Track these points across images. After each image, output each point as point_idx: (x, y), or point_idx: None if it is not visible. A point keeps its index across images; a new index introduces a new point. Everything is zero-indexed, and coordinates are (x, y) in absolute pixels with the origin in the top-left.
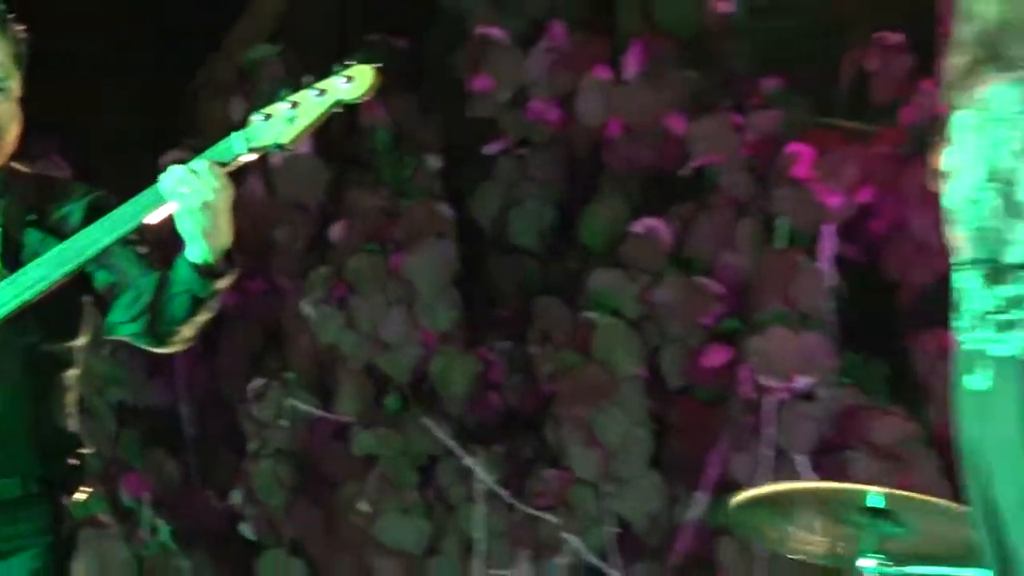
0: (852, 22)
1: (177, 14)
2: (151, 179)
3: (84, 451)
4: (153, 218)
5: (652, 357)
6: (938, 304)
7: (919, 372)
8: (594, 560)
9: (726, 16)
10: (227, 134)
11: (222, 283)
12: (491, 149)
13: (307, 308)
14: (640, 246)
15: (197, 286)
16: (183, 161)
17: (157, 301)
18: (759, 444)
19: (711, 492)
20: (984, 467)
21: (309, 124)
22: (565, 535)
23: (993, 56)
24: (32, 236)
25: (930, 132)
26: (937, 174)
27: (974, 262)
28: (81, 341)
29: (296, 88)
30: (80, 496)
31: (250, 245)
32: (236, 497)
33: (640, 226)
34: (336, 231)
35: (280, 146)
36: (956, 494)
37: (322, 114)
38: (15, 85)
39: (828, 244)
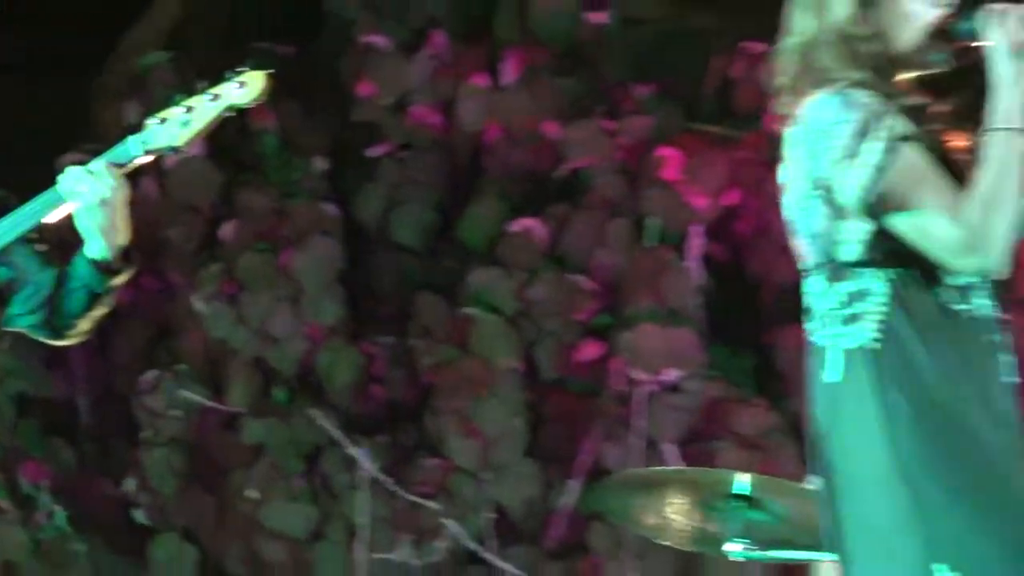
0: (718, 32)
1: (75, 18)
2: (50, 181)
3: None
4: (52, 217)
5: (528, 351)
6: (798, 302)
7: (781, 365)
8: (472, 544)
9: (599, 26)
10: (123, 137)
11: (118, 280)
12: (375, 152)
13: (199, 304)
14: (517, 245)
15: (94, 282)
16: (81, 163)
17: (55, 296)
18: (630, 434)
19: (584, 480)
20: (833, 454)
21: (202, 128)
22: (445, 521)
23: (809, 69)
24: None
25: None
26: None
27: (816, 266)
28: None
29: (190, 93)
30: None
31: (144, 243)
32: (130, 484)
33: (517, 226)
34: (226, 230)
35: (174, 149)
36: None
37: (215, 118)
38: None
39: (695, 244)
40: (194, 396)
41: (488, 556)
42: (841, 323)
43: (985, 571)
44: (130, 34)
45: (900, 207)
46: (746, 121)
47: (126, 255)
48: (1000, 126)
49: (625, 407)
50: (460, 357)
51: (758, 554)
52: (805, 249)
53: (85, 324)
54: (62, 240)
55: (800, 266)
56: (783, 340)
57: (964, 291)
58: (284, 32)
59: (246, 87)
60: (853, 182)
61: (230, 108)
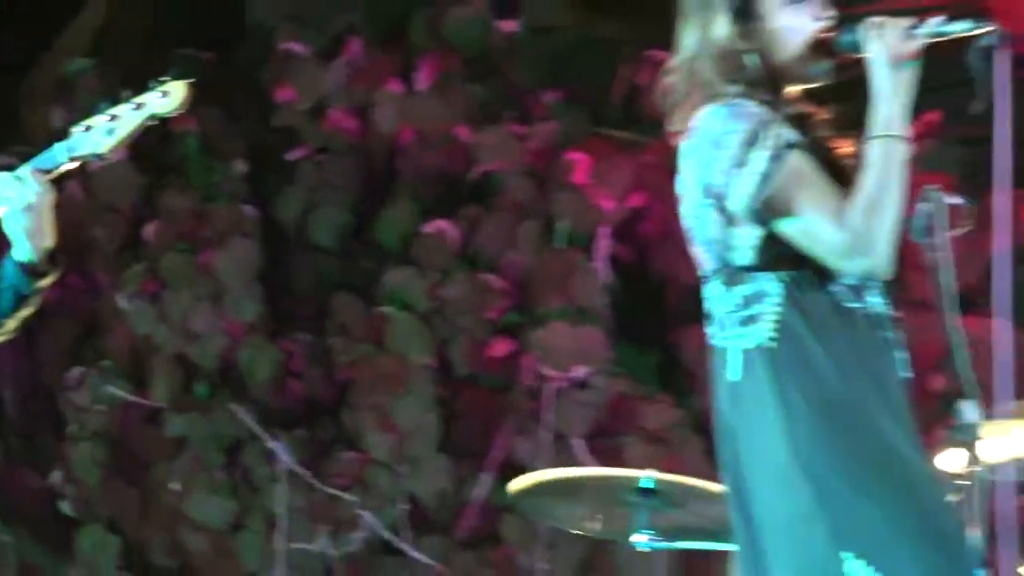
0: (625, 41)
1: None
2: None
3: None
4: None
5: (442, 348)
6: (702, 301)
7: (687, 363)
8: (388, 535)
9: (509, 34)
10: (50, 141)
11: (45, 282)
12: (293, 156)
13: (123, 302)
14: (430, 246)
15: (21, 284)
16: (10, 167)
17: None
18: (540, 428)
19: (495, 472)
20: (738, 451)
21: (126, 135)
22: (361, 512)
23: (697, 84)
24: None
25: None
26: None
27: (713, 271)
28: None
29: (115, 102)
30: None
31: (69, 244)
32: (56, 477)
33: (430, 227)
34: (149, 231)
35: (99, 156)
36: (719, 475)
37: (138, 126)
38: None
39: (603, 245)
40: (118, 391)
41: (403, 546)
42: (739, 325)
43: (889, 556)
44: (58, 39)
45: (787, 212)
46: (652, 126)
47: (52, 258)
48: (880, 133)
49: (535, 402)
50: (376, 354)
51: (662, 544)
52: (702, 256)
53: (11, 323)
54: None
55: (699, 272)
56: (688, 338)
57: (857, 290)
58: (206, 38)
59: (168, 96)
60: (742, 190)
61: (153, 116)
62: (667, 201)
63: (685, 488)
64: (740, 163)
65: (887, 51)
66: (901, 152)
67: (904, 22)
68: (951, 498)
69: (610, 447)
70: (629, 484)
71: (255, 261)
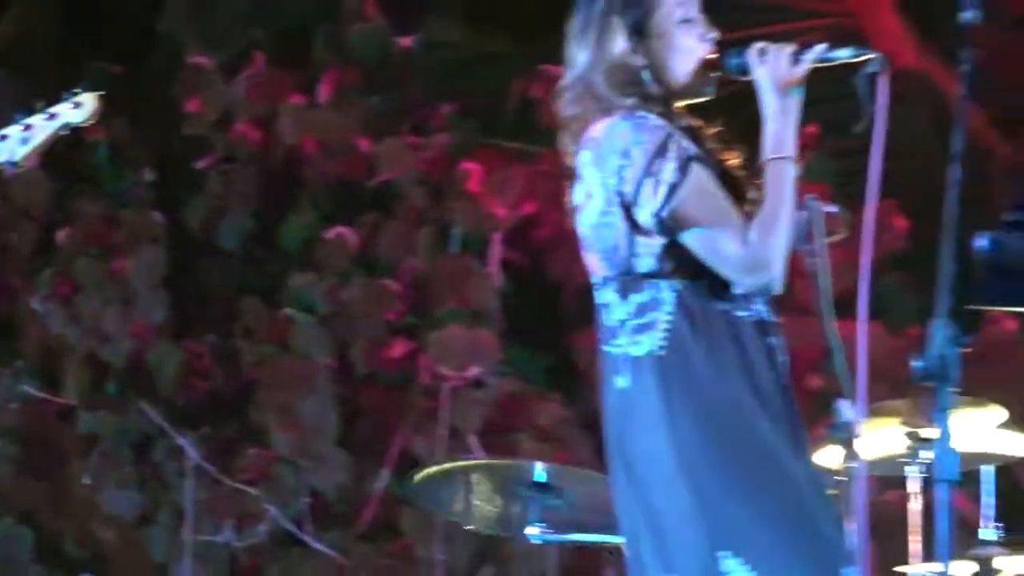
0: (517, 56)
1: None
2: None
3: None
4: None
5: (342, 349)
6: (594, 304)
7: (578, 364)
8: (291, 528)
9: (407, 49)
10: None
11: None
12: (200, 164)
13: (36, 304)
14: (331, 251)
15: None
16: None
17: None
18: (436, 425)
19: (394, 467)
20: (626, 456)
21: (40, 144)
22: (266, 506)
23: (592, 99)
24: None
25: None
26: (572, 208)
27: (608, 279)
28: None
29: (30, 112)
30: None
31: None
32: None
33: (331, 233)
34: (62, 236)
35: (14, 164)
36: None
37: (51, 135)
38: None
39: (496, 250)
40: (32, 389)
41: (305, 538)
42: (632, 332)
43: (765, 555)
44: None
45: (691, 224)
46: (543, 137)
47: None
48: (771, 156)
49: (432, 400)
50: (280, 355)
51: (554, 537)
52: (597, 263)
53: None
54: None
55: (593, 279)
56: (580, 340)
57: (746, 299)
58: (115, 51)
59: (81, 107)
60: (651, 199)
61: (65, 126)
62: (559, 208)
63: (576, 480)
64: (649, 173)
65: (774, 76)
66: (791, 172)
67: (789, 48)
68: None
69: (503, 443)
70: (523, 475)
71: (163, 265)
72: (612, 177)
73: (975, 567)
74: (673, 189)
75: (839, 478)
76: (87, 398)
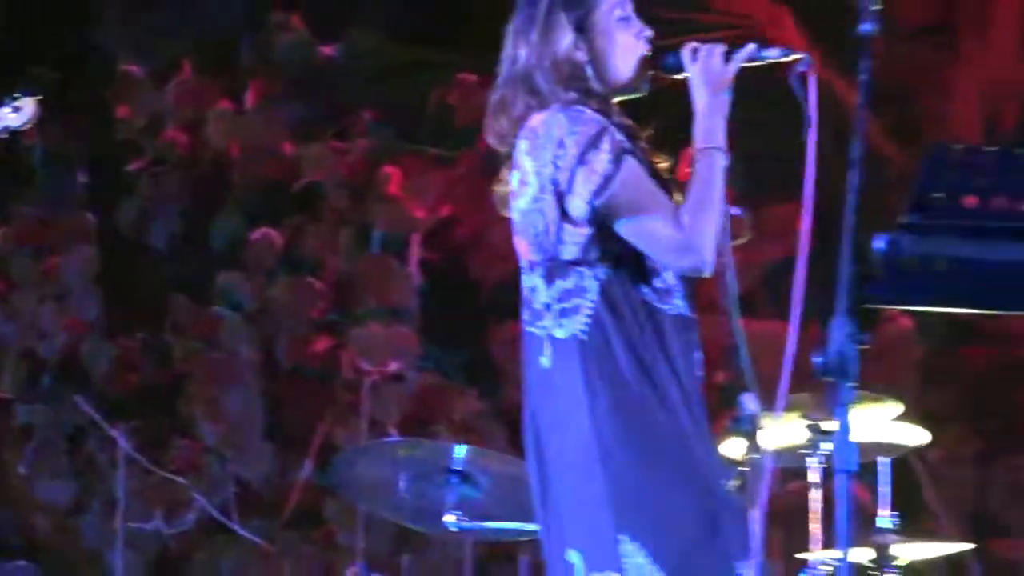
0: (434, 65)
1: None
2: None
3: None
4: None
5: (268, 344)
6: (509, 302)
7: (495, 358)
8: (218, 515)
9: (330, 59)
10: None
11: None
12: (132, 167)
13: None
14: (257, 251)
15: None
16: None
17: None
18: (358, 418)
19: (317, 458)
20: (545, 435)
21: None
22: (195, 495)
23: (531, 92)
24: None
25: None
26: (505, 194)
27: (536, 264)
28: None
29: None
30: None
31: None
32: None
33: (257, 234)
34: None
35: None
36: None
37: None
38: None
39: (415, 251)
40: None
41: (232, 526)
42: (556, 316)
43: (663, 544)
44: None
45: (625, 213)
46: (461, 142)
47: None
48: (703, 146)
49: (354, 394)
50: (208, 350)
51: (471, 525)
52: (526, 248)
53: None
54: None
55: (521, 263)
56: (497, 335)
57: (665, 293)
58: (53, 59)
59: (20, 111)
60: (583, 188)
61: (5, 129)
62: (475, 211)
63: (494, 465)
64: (582, 163)
65: (706, 74)
66: (721, 161)
67: (721, 48)
68: (730, 484)
69: (421, 435)
70: (442, 461)
71: (96, 264)
72: (547, 166)
73: (872, 553)
74: (607, 180)
75: (743, 469)
76: (23, 391)
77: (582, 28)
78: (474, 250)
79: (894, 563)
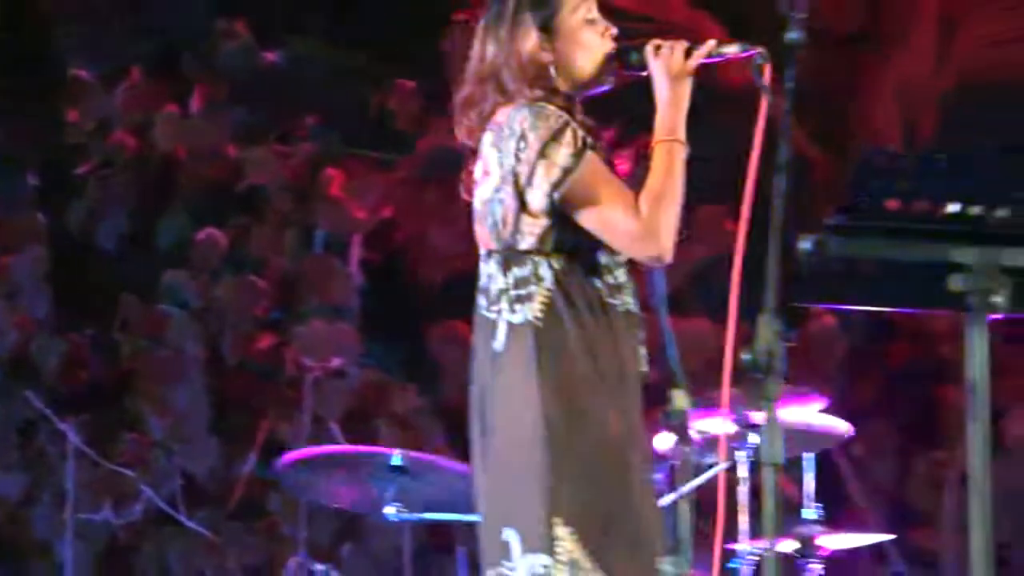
0: (376, 72)
1: None
2: None
3: None
4: None
5: (213, 341)
6: (449, 300)
7: (434, 356)
8: (166, 507)
9: (273, 64)
10: None
11: None
12: (81, 170)
13: None
14: (203, 250)
15: None
16: None
17: None
18: (301, 413)
19: (261, 452)
20: (492, 414)
21: None
22: (142, 487)
23: (497, 89)
24: None
25: (442, 160)
26: (468, 183)
27: (493, 252)
28: None
29: None
30: None
31: None
32: None
33: (203, 234)
34: None
35: None
36: (458, 455)
37: None
38: None
39: (356, 251)
40: None
41: (179, 517)
42: (511, 301)
43: (589, 527)
44: None
45: (585, 204)
46: (402, 146)
47: None
48: (663, 138)
49: (296, 390)
50: (155, 347)
51: (410, 516)
52: (485, 236)
53: None
54: None
55: (481, 250)
56: (434, 334)
57: (616, 289)
58: (4, 63)
59: None
60: (543, 181)
61: None
62: (414, 213)
63: (430, 465)
64: (543, 156)
65: (667, 69)
66: (681, 153)
67: (683, 44)
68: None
69: (363, 429)
70: (383, 461)
71: (46, 263)
72: (509, 158)
73: (797, 544)
74: (566, 173)
75: (672, 463)
76: None
77: (547, 28)
78: (414, 251)
79: (817, 553)
